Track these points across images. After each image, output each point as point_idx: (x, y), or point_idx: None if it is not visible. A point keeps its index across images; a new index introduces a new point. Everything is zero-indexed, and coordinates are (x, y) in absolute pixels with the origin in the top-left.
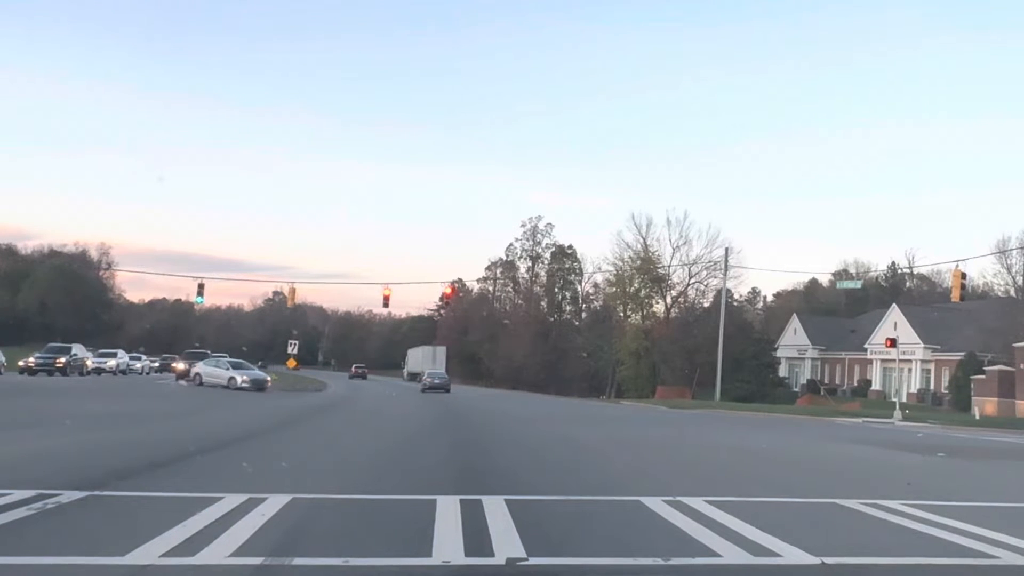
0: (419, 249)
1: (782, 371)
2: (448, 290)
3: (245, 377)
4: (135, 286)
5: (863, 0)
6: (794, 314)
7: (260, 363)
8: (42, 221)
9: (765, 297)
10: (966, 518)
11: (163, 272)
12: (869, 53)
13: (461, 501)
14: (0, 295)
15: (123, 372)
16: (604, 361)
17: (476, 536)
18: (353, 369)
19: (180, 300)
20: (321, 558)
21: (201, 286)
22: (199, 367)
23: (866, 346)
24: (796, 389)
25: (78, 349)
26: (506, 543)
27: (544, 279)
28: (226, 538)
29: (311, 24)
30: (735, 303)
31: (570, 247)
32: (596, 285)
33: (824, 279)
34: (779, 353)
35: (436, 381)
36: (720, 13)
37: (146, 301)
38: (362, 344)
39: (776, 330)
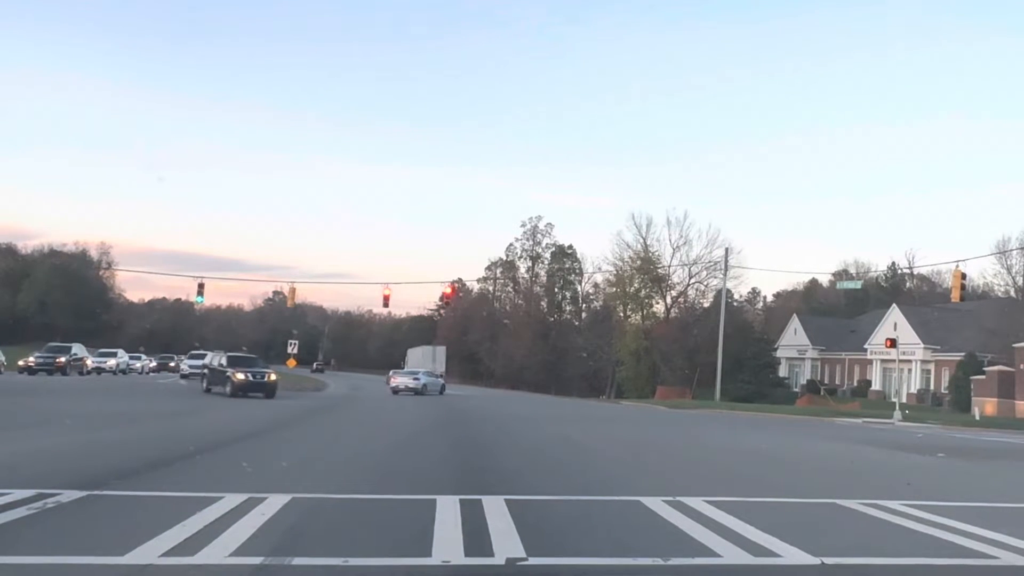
0: (419, 249)
1: (782, 371)
2: (448, 290)
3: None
4: (135, 286)
5: (863, 1)
6: (794, 314)
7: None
8: (42, 221)
9: (765, 297)
10: (966, 518)
11: (163, 272)
12: (869, 53)
13: (461, 501)
14: (0, 295)
15: (123, 372)
16: (604, 361)
17: (476, 536)
18: (315, 365)
19: (180, 300)
20: (321, 558)
21: (201, 286)
22: (402, 379)
23: (866, 346)
24: (796, 389)
25: (78, 349)
26: (506, 543)
27: (544, 279)
28: (226, 538)
29: (312, 25)
30: (735, 303)
31: (570, 247)
32: (596, 285)
33: (824, 279)
34: (779, 353)
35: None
36: (720, 14)
37: (146, 301)
38: (362, 344)
39: (776, 330)
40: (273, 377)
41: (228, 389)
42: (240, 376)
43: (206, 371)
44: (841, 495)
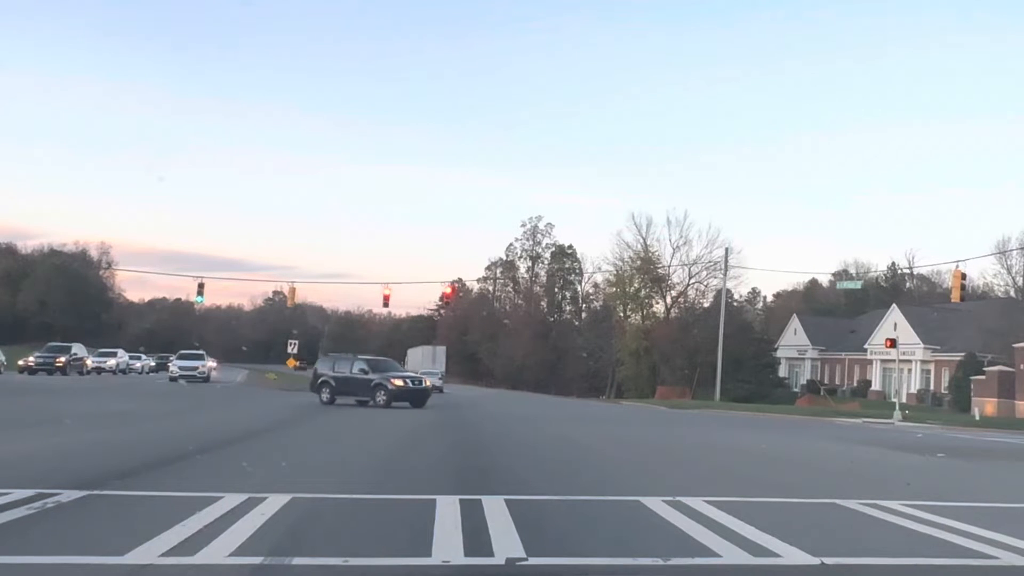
0: (419, 249)
1: (782, 371)
2: (448, 290)
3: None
4: (135, 286)
5: (863, 1)
6: (794, 314)
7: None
8: (43, 221)
9: (765, 297)
10: (966, 518)
11: (163, 272)
12: (869, 53)
13: (461, 501)
14: (0, 295)
15: (123, 371)
16: (604, 361)
17: (476, 536)
18: (297, 364)
19: (180, 300)
20: (321, 558)
21: (201, 286)
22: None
23: (866, 346)
24: (796, 389)
25: (78, 348)
26: (506, 543)
27: (544, 279)
28: (226, 538)
29: (312, 24)
30: (735, 303)
31: (570, 247)
32: (596, 285)
33: (824, 279)
34: (779, 353)
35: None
36: (720, 14)
37: (146, 301)
38: (362, 344)
39: (776, 330)
40: (428, 383)
41: (382, 399)
42: (399, 382)
43: (327, 379)
44: (841, 495)
